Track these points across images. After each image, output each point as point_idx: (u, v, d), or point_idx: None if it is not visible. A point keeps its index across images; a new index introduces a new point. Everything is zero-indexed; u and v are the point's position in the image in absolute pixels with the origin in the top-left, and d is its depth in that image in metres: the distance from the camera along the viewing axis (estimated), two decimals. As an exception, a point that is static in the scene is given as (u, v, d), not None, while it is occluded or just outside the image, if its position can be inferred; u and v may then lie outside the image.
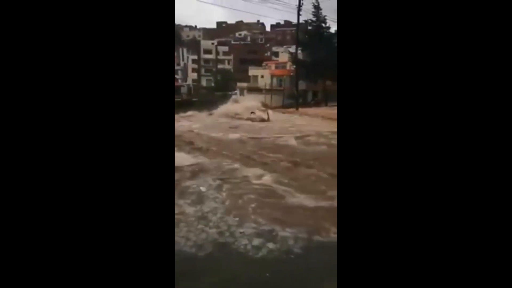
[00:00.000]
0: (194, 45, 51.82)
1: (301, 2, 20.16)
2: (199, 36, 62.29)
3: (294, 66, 23.68)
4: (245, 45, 51.17)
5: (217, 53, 48.05)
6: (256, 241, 3.28)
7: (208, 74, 46.30)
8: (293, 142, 8.89)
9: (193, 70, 47.83)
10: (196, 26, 71.40)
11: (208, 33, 64.78)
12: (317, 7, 25.29)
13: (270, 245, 3.20)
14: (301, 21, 22.59)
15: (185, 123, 12.54)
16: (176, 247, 2.90)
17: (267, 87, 27.86)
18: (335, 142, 8.05)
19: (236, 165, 6.29)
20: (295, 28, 24.77)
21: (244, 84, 32.13)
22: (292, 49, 26.57)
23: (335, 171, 5.22)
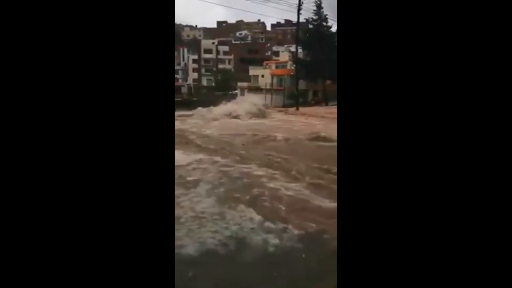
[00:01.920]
0: (194, 45, 51.87)
1: (301, 1, 20.05)
2: (200, 36, 62.43)
3: (295, 66, 23.59)
4: (245, 45, 51.19)
5: (218, 52, 48.01)
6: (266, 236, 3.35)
7: (209, 73, 46.30)
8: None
9: (194, 69, 47.83)
10: (196, 25, 71.73)
11: (208, 32, 64.92)
12: (319, 6, 25.18)
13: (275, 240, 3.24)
14: (302, 20, 22.56)
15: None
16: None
17: (268, 86, 27.78)
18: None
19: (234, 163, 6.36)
20: (295, 27, 24.66)
21: (245, 84, 32.08)
22: (293, 48, 26.46)
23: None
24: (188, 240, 3.17)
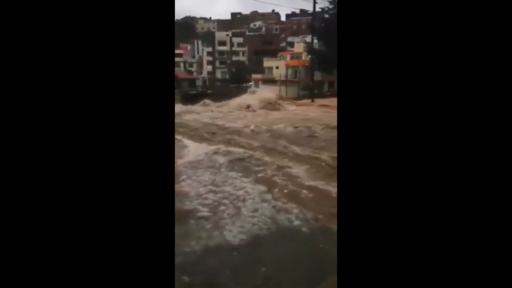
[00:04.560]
0: (208, 37, 51.87)
1: (317, -11, 19.54)
2: (214, 28, 62.35)
3: (310, 57, 23.16)
4: (259, 36, 50.70)
5: (232, 44, 47.84)
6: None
7: (223, 66, 46.31)
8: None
9: (208, 62, 47.93)
10: (210, 17, 71.64)
11: (222, 24, 64.72)
12: (334, -6, 24.47)
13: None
14: (317, 9, 22.04)
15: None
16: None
17: (282, 78, 27.50)
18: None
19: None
20: (311, 17, 24.15)
21: (259, 76, 31.88)
22: (308, 38, 25.97)
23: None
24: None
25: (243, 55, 47.44)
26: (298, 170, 5.16)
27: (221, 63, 47.37)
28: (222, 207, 3.81)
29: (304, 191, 4.28)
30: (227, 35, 49.31)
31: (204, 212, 3.67)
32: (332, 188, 4.24)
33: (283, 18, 66.43)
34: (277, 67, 31.09)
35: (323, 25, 24.94)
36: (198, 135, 8.37)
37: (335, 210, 3.54)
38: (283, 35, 49.66)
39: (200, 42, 50.31)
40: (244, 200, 4.04)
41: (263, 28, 57.65)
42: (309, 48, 23.38)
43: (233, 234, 3.19)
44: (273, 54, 37.20)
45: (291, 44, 40.62)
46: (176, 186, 4.32)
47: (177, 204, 3.68)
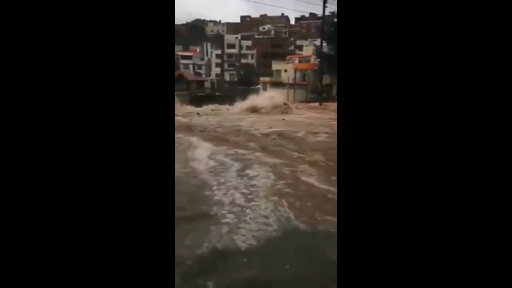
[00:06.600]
0: (218, 40, 52.30)
1: (327, -7, 19.55)
2: (223, 31, 62.82)
3: (319, 60, 23.12)
4: (268, 39, 50.90)
5: (241, 47, 48.12)
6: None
7: (231, 68, 46.57)
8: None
9: (217, 64, 48.28)
10: (220, 20, 72.29)
11: (232, 27, 65.25)
12: (344, -2, 24.43)
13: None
14: (327, 13, 22.01)
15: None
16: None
17: (291, 81, 27.51)
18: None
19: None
20: (320, 21, 24.17)
21: (267, 79, 31.97)
22: (317, 42, 25.98)
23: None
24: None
25: (251, 58, 47.68)
26: (312, 174, 5.14)
27: (229, 65, 47.65)
28: (236, 208, 3.82)
29: (318, 194, 4.27)
30: (236, 38, 49.66)
31: (229, 218, 3.70)
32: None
33: (292, 22, 66.62)
34: (285, 70, 31.15)
35: (332, 28, 24.93)
36: (206, 136, 8.42)
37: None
38: (292, 39, 49.79)
39: (209, 45, 50.79)
40: (256, 201, 4.06)
41: (272, 31, 57.87)
42: (318, 51, 23.38)
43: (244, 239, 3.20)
44: (281, 57, 37.31)
45: (300, 48, 40.66)
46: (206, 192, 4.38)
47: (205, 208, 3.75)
